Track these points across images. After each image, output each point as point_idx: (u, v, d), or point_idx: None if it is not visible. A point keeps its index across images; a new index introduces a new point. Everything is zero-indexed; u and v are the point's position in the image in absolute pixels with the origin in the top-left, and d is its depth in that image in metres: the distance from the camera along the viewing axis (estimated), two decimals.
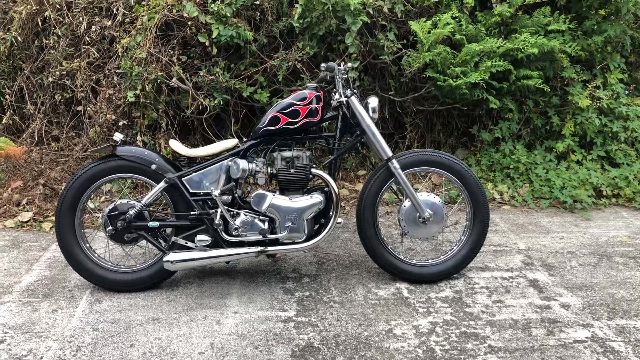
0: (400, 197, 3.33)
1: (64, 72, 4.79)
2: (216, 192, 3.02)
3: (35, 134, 4.83)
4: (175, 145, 3.18)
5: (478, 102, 4.65)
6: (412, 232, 3.25)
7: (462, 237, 3.33)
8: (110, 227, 3.07)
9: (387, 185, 3.24)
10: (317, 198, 3.10)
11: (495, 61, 4.26)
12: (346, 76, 3.20)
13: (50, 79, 4.82)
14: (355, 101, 3.15)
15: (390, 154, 3.16)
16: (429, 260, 3.32)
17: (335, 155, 3.21)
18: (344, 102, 3.11)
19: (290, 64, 4.37)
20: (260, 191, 3.09)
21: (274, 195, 3.09)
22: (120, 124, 4.49)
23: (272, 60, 4.40)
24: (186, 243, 3.09)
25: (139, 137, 4.49)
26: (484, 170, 4.76)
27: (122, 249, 3.33)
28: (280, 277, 3.37)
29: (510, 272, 3.44)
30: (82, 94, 4.74)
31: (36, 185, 4.38)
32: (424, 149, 3.43)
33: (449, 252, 3.32)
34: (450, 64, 4.30)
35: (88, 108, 4.69)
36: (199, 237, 3.05)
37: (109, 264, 3.18)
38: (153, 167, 3.09)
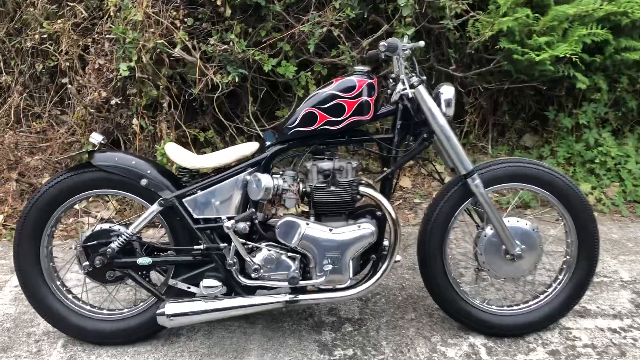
0: (478, 223, 2.46)
1: (46, 35, 3.90)
2: (229, 223, 2.17)
3: (12, 111, 3.99)
4: (174, 151, 2.33)
5: (559, 79, 3.69)
6: (494, 271, 2.39)
7: (561, 277, 2.47)
8: (87, 263, 2.26)
9: (462, 207, 2.37)
10: (367, 228, 2.25)
11: (592, 28, 3.28)
12: (408, 55, 2.28)
13: (29, 44, 3.95)
14: (423, 92, 2.24)
15: (470, 167, 2.28)
16: (514, 307, 2.48)
17: (394, 167, 2.33)
18: (409, 95, 2.21)
19: (324, 29, 3.43)
20: (289, 218, 2.24)
21: (307, 224, 2.23)
22: (113, 102, 3.63)
23: (301, 25, 3.46)
24: (188, 288, 2.27)
25: (135, 120, 3.63)
26: (561, 163, 3.84)
27: (104, 288, 2.52)
28: (314, 322, 2.55)
29: (619, 319, 2.58)
30: (68, 63, 3.86)
31: (10, 179, 3.58)
32: (512, 157, 2.54)
33: (543, 297, 2.47)
34: (532, 31, 3.33)
35: (74, 82, 3.83)
36: (206, 282, 2.22)
37: (87, 307, 2.39)
38: (143, 182, 2.24)
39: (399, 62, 2.22)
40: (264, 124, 3.86)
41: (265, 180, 2.21)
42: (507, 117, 4.07)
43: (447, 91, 2.29)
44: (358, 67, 2.30)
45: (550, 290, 2.47)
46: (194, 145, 3.84)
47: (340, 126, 2.24)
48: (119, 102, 3.63)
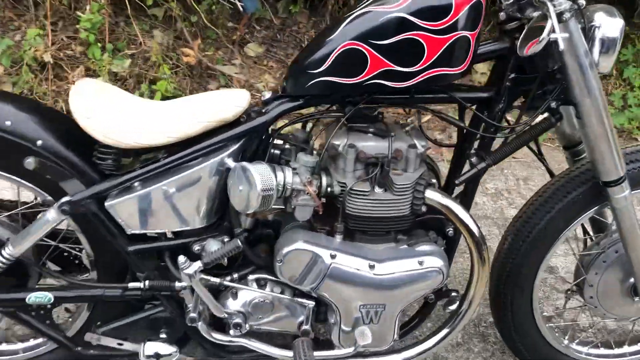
0: (591, 237, 1.55)
1: None
2: (191, 268, 1.18)
3: None
4: (87, 101, 1.22)
5: None
6: (604, 308, 1.55)
7: None
8: None
9: (585, 217, 1.45)
10: (432, 265, 1.30)
11: None
12: None
13: None
14: (574, 31, 1.16)
15: (622, 171, 1.30)
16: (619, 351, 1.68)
17: (492, 160, 1.32)
18: (561, 44, 1.10)
19: None
20: (301, 244, 1.26)
21: (334, 255, 1.26)
22: None
23: None
24: (120, 345, 1.33)
25: None
26: None
27: None
28: None
29: None
30: None
31: None
32: None
33: None
34: None
35: None
36: (151, 347, 1.28)
37: None
38: (28, 163, 1.17)
39: None
40: None
41: (262, 177, 1.18)
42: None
43: (609, 25, 1.22)
44: None
45: None
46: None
47: (409, 82, 1.18)
48: None
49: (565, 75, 1.21)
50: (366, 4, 1.18)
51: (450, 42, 1.15)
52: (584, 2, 1.16)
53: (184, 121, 1.20)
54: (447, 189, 1.38)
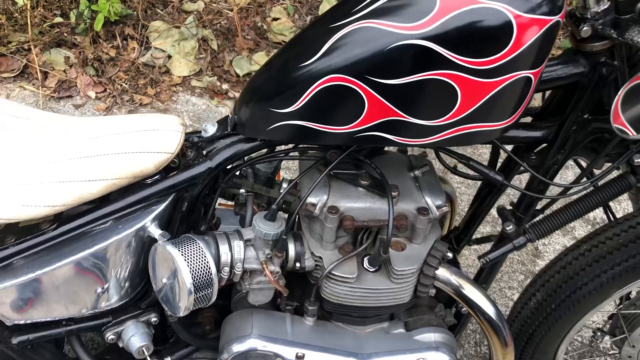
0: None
1: None
2: None
3: None
4: None
5: None
6: None
7: None
8: None
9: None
10: None
11: None
12: None
13: None
14: None
15: None
16: None
17: (535, 234, 0.93)
18: None
19: None
20: (255, 341, 0.90)
21: (300, 356, 0.91)
22: None
23: None
24: None
25: None
26: None
27: None
28: None
29: None
30: None
31: None
32: None
33: None
34: None
35: None
36: None
37: None
38: None
39: None
40: None
41: (192, 269, 0.80)
42: None
43: None
44: None
45: None
46: None
47: (426, 140, 0.76)
48: None
49: None
50: (365, 9, 0.71)
51: (499, 88, 0.70)
52: None
53: (77, 181, 0.78)
54: (458, 239, 1.02)
